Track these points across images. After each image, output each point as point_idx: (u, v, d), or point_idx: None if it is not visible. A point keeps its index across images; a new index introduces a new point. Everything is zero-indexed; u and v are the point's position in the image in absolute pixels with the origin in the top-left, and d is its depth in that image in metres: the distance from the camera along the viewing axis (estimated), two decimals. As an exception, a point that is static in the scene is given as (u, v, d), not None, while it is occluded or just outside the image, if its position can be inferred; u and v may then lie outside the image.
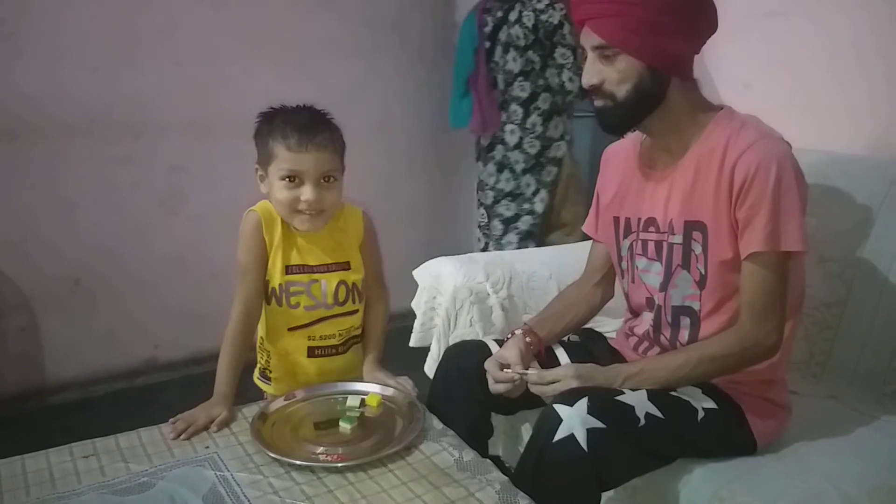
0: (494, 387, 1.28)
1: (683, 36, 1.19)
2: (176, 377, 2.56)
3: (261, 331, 1.41)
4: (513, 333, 1.38)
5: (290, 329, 1.37)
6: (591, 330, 1.53)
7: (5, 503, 1.01)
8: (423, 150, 3.04)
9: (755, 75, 1.94)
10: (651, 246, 1.31)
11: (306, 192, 1.27)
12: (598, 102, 1.24)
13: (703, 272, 1.23)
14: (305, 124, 1.27)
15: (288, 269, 1.35)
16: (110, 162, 2.36)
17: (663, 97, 1.22)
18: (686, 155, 1.24)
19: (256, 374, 1.45)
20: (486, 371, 1.30)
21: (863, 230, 1.49)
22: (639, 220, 1.33)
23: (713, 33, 1.27)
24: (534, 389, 1.23)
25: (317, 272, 1.37)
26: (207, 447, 1.17)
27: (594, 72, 1.21)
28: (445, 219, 3.10)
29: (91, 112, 2.29)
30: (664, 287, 1.29)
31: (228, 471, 1.09)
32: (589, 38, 1.21)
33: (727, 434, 1.21)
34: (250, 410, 1.28)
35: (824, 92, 1.79)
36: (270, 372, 1.42)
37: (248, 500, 1.02)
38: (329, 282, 1.37)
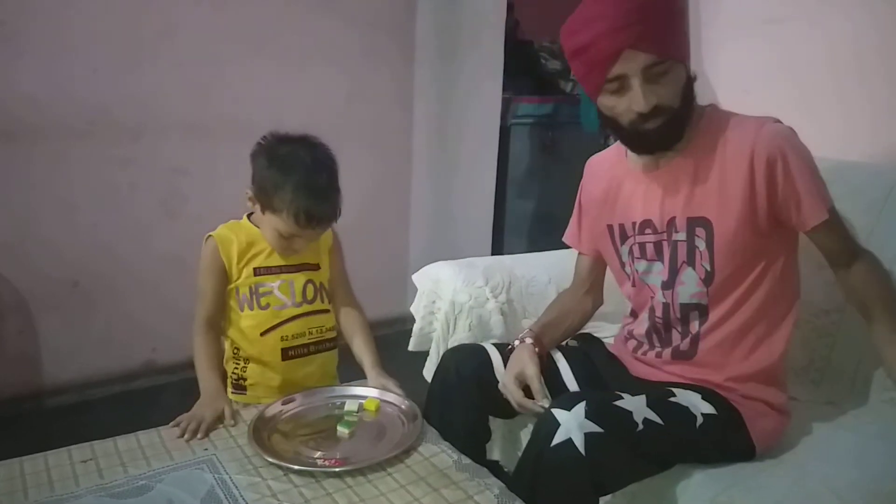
0: (520, 409, 1.29)
1: (688, 25, 1.21)
2: (174, 380, 2.54)
3: (234, 340, 1.42)
4: (522, 341, 1.37)
5: (262, 334, 1.39)
6: (589, 335, 1.53)
7: (3, 505, 1.01)
8: (422, 154, 3.04)
9: (754, 81, 1.95)
10: (650, 248, 1.32)
11: (299, 244, 1.36)
12: (652, 124, 1.17)
13: (708, 269, 1.24)
14: (319, 205, 1.29)
15: (256, 271, 1.38)
16: (110, 163, 2.35)
17: (693, 91, 1.22)
18: (681, 155, 1.24)
19: (229, 389, 1.45)
20: (500, 389, 1.32)
21: (862, 237, 1.49)
22: (633, 223, 1.33)
23: None
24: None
25: (285, 272, 1.40)
26: (206, 449, 1.16)
27: (650, 93, 1.14)
28: (445, 223, 3.10)
29: (91, 113, 2.29)
30: (669, 285, 1.29)
31: (227, 473, 1.09)
32: (634, 62, 1.13)
33: (726, 440, 1.21)
34: (249, 413, 1.28)
35: (824, 98, 1.80)
36: (245, 380, 1.42)
37: (247, 503, 1.02)
38: (297, 280, 1.40)
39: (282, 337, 1.39)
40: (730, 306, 1.25)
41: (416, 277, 1.79)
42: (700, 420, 1.18)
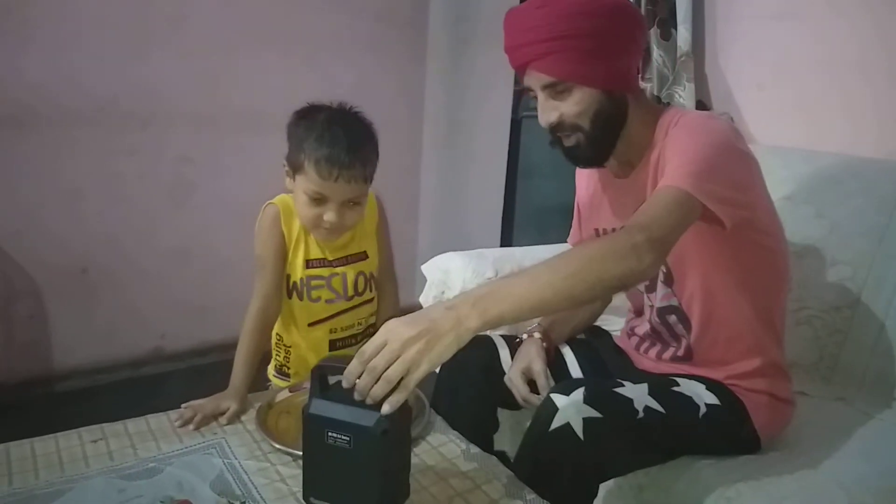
0: (524, 404, 1.29)
1: (626, 52, 1.17)
2: (181, 368, 2.56)
3: (278, 328, 1.41)
4: (530, 335, 1.37)
5: (310, 324, 1.38)
6: (597, 328, 1.53)
7: (14, 484, 1.01)
8: (432, 145, 3.04)
9: (767, 77, 1.94)
10: None
11: (329, 214, 1.25)
12: (567, 142, 1.20)
13: (665, 268, 1.23)
14: (341, 151, 1.21)
15: (308, 264, 1.35)
16: (117, 152, 2.35)
17: (626, 116, 1.20)
18: (642, 161, 1.23)
19: (272, 370, 1.44)
20: (505, 382, 1.31)
21: (874, 233, 1.48)
22: (613, 229, 1.32)
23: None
24: None
25: (337, 265, 1.36)
26: (216, 433, 1.17)
27: (550, 109, 1.18)
28: (454, 214, 3.10)
29: (98, 101, 2.29)
30: (651, 289, 1.29)
31: (236, 458, 1.10)
32: (536, 80, 1.16)
33: (730, 431, 1.20)
34: (258, 398, 1.28)
35: (837, 93, 1.79)
36: (289, 368, 1.42)
37: (256, 488, 1.03)
38: (349, 274, 1.37)
39: (331, 329, 1.38)
40: (705, 307, 1.22)
41: (425, 268, 1.79)
42: (703, 410, 1.17)
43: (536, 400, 1.25)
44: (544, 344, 1.34)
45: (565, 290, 0.95)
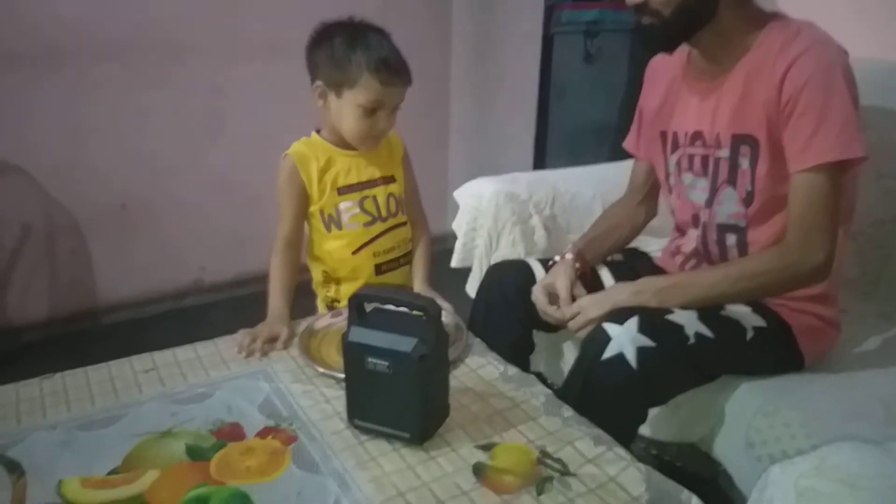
0: (544, 316, 1.29)
1: None
2: (222, 298, 2.63)
3: (323, 262, 1.44)
4: (562, 257, 1.36)
5: (354, 252, 1.40)
6: (634, 249, 1.52)
7: (73, 411, 1.06)
8: (461, 68, 2.97)
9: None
10: (697, 161, 1.28)
11: (382, 122, 1.31)
12: (644, 20, 1.19)
13: (749, 189, 1.19)
14: (393, 55, 1.27)
15: (339, 191, 1.37)
16: (148, 86, 2.35)
17: (713, 14, 1.16)
18: (735, 67, 1.19)
19: (322, 309, 1.47)
20: (532, 299, 1.31)
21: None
22: (686, 133, 1.29)
23: None
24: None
25: (366, 188, 1.39)
26: (261, 360, 1.20)
27: None
28: (485, 138, 3.06)
29: (128, 36, 2.28)
30: (709, 203, 1.26)
31: (281, 382, 1.13)
32: None
33: (775, 352, 1.20)
34: (299, 325, 1.31)
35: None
36: (339, 301, 1.45)
37: (302, 409, 1.06)
38: (379, 195, 1.40)
39: (374, 253, 1.40)
40: (773, 229, 1.19)
41: (457, 194, 1.77)
42: (751, 334, 1.17)
43: (553, 311, 1.26)
44: (577, 265, 1.34)
45: (734, 298, 1.18)
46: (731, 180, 1.22)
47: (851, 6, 1.75)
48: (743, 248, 1.24)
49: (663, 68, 1.37)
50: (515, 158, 2.84)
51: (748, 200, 1.21)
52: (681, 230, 1.39)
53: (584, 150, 2.90)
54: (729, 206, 1.24)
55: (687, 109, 1.29)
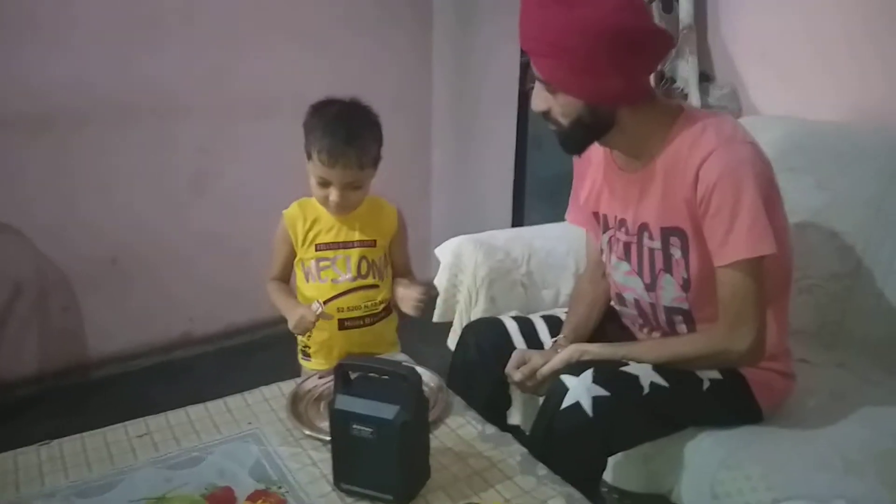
0: (515, 386, 1.36)
1: (619, 75, 1.16)
2: (210, 350, 2.67)
3: None
4: (559, 344, 1.40)
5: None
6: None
7: (70, 477, 1.11)
8: (442, 122, 3.07)
9: (771, 44, 1.95)
10: (620, 246, 1.34)
11: (333, 195, 1.43)
12: (550, 126, 1.27)
13: (685, 276, 1.25)
14: (339, 140, 1.37)
15: (318, 247, 1.50)
16: (139, 146, 2.43)
17: (613, 123, 1.23)
18: (654, 162, 1.24)
19: (299, 354, 1.59)
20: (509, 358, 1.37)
21: (874, 202, 1.51)
22: (615, 217, 1.35)
23: (660, 61, 1.30)
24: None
25: (342, 248, 1.50)
26: (250, 423, 1.26)
27: (541, 99, 1.24)
28: (466, 190, 3.15)
29: (118, 100, 2.35)
30: (652, 287, 1.31)
31: (270, 445, 1.18)
32: (534, 70, 1.23)
33: (733, 404, 1.26)
34: (288, 386, 1.37)
35: (840, 60, 1.79)
36: (310, 349, 1.55)
37: (290, 472, 1.11)
38: (353, 256, 1.50)
39: (338, 308, 1.49)
40: (715, 307, 1.22)
41: (438, 251, 1.85)
42: (707, 384, 1.24)
43: (515, 373, 1.33)
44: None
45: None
46: (667, 269, 1.27)
47: (811, 68, 1.85)
48: (691, 325, 1.30)
49: (595, 151, 1.37)
50: (495, 208, 2.93)
51: (686, 287, 1.26)
52: (621, 300, 1.43)
53: (562, 199, 2.98)
54: (670, 292, 1.29)
55: (613, 194, 1.35)
